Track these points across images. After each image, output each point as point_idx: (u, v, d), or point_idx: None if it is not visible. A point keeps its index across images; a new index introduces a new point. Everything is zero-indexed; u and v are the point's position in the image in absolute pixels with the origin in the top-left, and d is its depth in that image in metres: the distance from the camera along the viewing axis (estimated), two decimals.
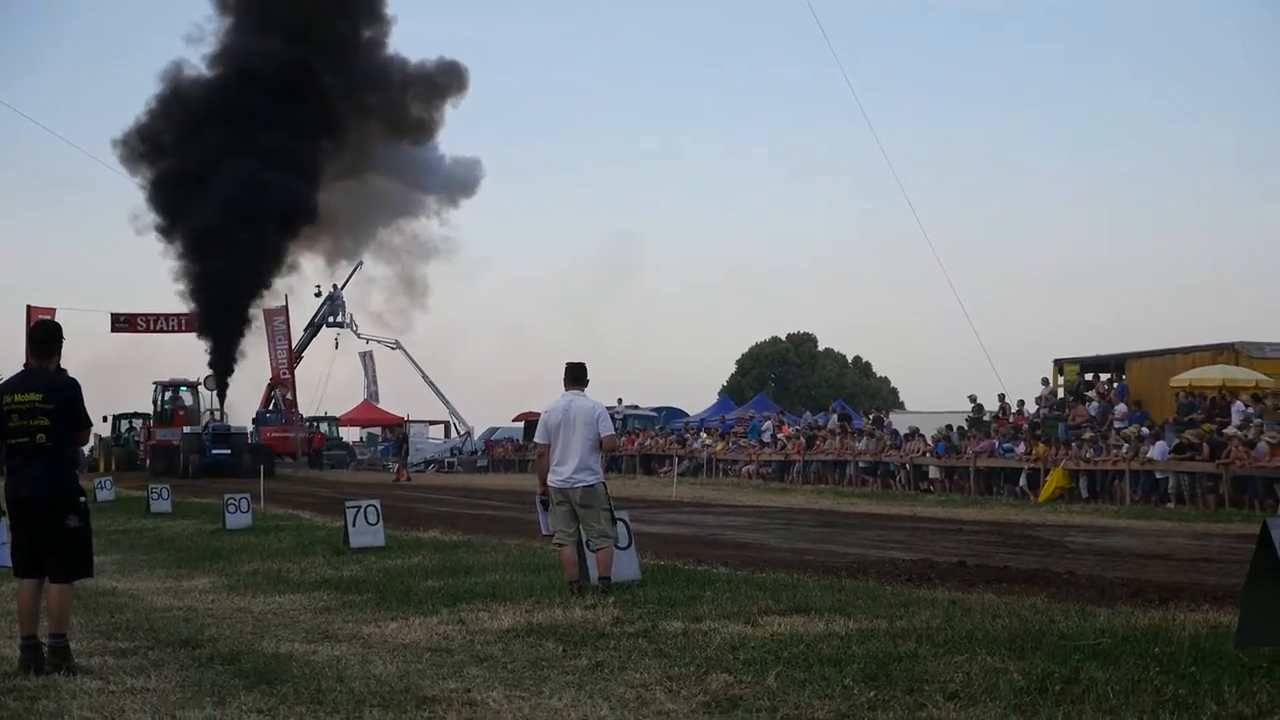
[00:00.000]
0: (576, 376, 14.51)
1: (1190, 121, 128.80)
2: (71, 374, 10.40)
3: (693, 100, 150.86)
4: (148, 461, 66.62)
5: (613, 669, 9.69)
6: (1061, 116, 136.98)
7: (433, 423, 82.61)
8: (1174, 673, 8.56)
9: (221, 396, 68.55)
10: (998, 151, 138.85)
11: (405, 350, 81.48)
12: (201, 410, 68.90)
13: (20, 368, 10.85)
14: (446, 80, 73.14)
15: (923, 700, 8.13)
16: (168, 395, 70.74)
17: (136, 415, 73.73)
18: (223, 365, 68.45)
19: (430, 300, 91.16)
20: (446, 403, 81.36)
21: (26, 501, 10.17)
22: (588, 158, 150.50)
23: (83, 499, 10.34)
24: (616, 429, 31.73)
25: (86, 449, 76.97)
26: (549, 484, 14.18)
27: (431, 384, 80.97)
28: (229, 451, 62.63)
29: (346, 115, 69.91)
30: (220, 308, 66.87)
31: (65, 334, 10.65)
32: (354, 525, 20.56)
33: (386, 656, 10.57)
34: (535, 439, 14.80)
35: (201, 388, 69.42)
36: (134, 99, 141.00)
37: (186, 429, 65.55)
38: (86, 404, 10.37)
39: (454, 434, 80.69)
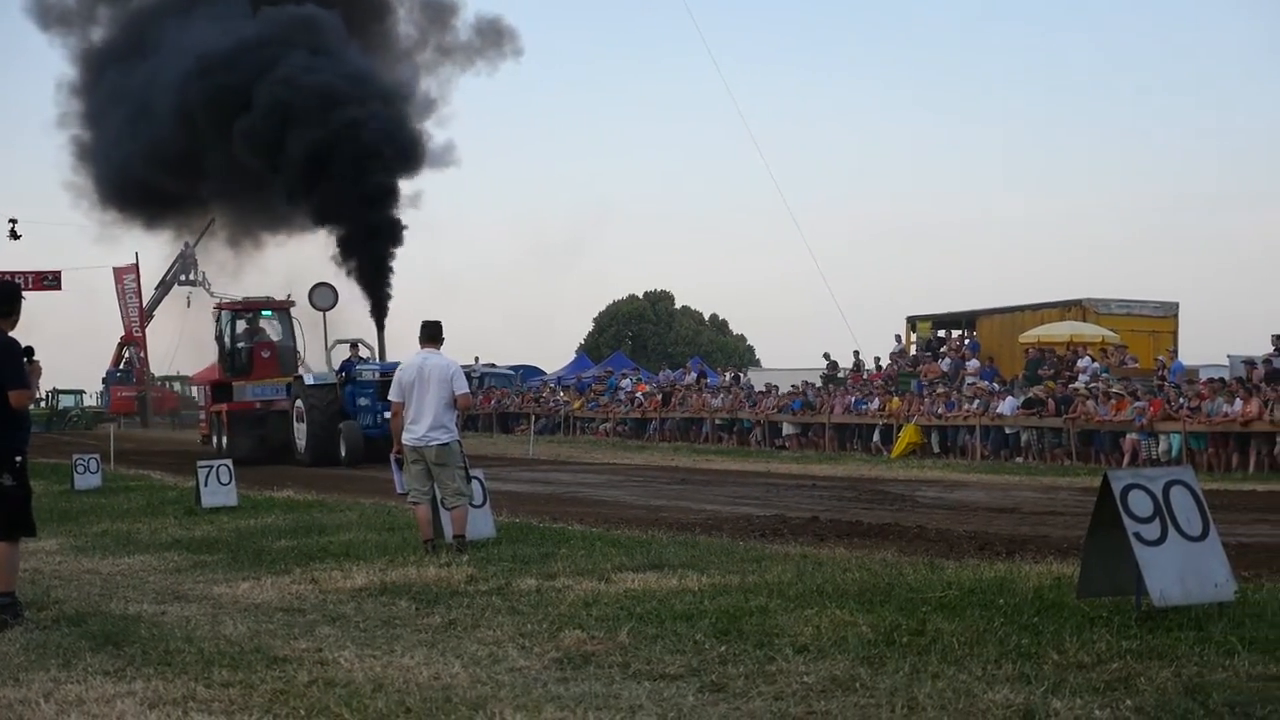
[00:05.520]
0: (432, 334, 14.47)
1: (1040, 78, 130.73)
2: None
3: (544, 53, 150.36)
4: (217, 439, 40.69)
5: (465, 627, 9.69)
6: (913, 74, 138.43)
7: None
8: (1017, 623, 8.72)
9: (380, 319, 40.30)
10: (852, 110, 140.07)
11: None
12: (295, 349, 42.07)
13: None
14: (482, 48, 51.93)
15: (772, 654, 8.21)
16: (240, 327, 41.98)
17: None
18: (372, 262, 40.45)
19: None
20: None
21: None
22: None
23: (19, 459, 10.28)
24: (473, 388, 31.42)
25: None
26: (403, 442, 14.13)
27: None
28: None
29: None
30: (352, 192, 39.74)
31: None
32: (206, 485, 20.34)
33: (237, 617, 10.49)
34: (390, 397, 14.72)
35: (315, 306, 40.37)
36: None
37: (310, 377, 38.58)
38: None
39: None
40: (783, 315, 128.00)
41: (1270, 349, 32.76)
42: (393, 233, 40.62)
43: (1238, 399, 27.91)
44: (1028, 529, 17.08)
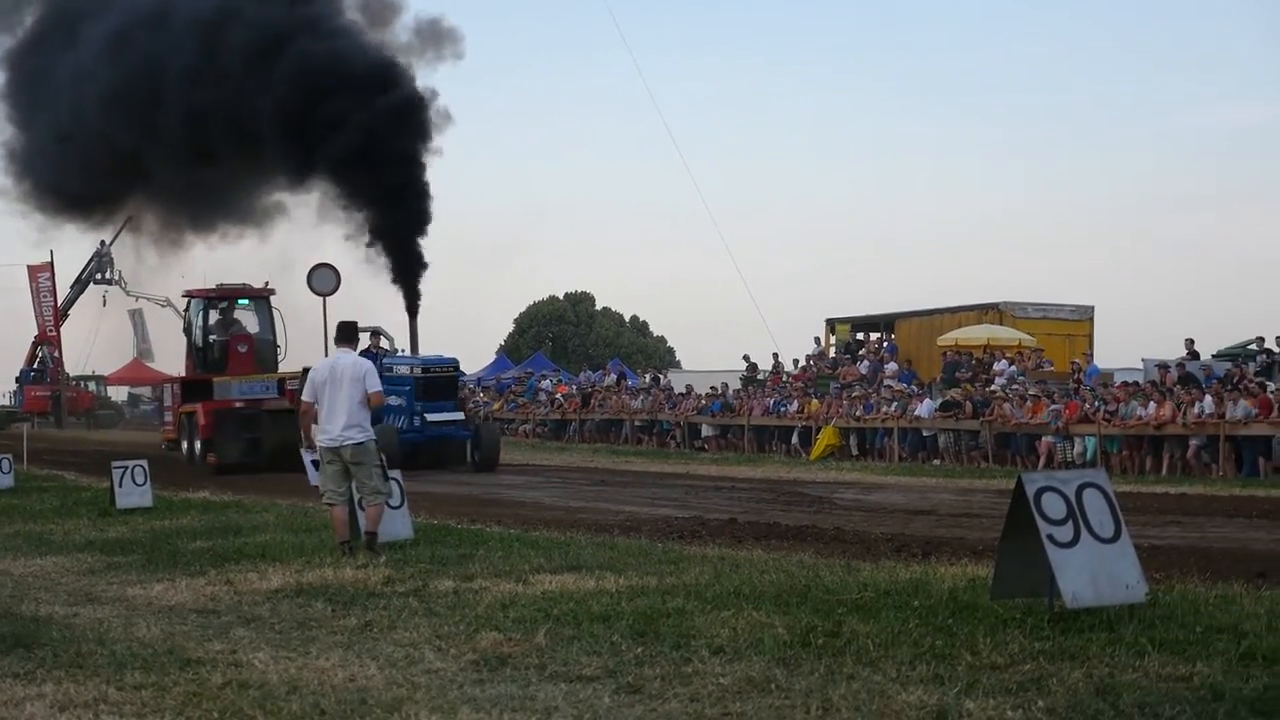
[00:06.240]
0: (347, 335, 14.59)
1: (956, 82, 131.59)
2: None
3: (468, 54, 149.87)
4: (188, 443, 35.64)
5: (382, 628, 9.65)
6: (833, 76, 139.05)
7: None
8: (932, 624, 8.78)
9: (413, 308, 35.58)
10: (773, 112, 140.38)
11: (176, 308, 79.70)
12: (275, 342, 37.22)
13: None
14: (421, 49, 44.66)
15: (689, 655, 8.24)
16: (214, 318, 37.28)
17: None
18: (405, 249, 35.90)
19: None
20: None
21: None
22: None
23: None
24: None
25: None
26: (318, 443, 14.10)
27: None
28: (458, 417, 33.22)
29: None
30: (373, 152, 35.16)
31: None
32: (121, 486, 20.13)
33: (151, 619, 10.40)
34: (302, 396, 14.74)
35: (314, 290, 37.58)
36: None
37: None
38: None
39: None
40: (703, 317, 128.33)
41: (1183, 353, 33.19)
42: (422, 219, 36.61)
43: (1151, 402, 28.23)
44: (944, 531, 17.21)
